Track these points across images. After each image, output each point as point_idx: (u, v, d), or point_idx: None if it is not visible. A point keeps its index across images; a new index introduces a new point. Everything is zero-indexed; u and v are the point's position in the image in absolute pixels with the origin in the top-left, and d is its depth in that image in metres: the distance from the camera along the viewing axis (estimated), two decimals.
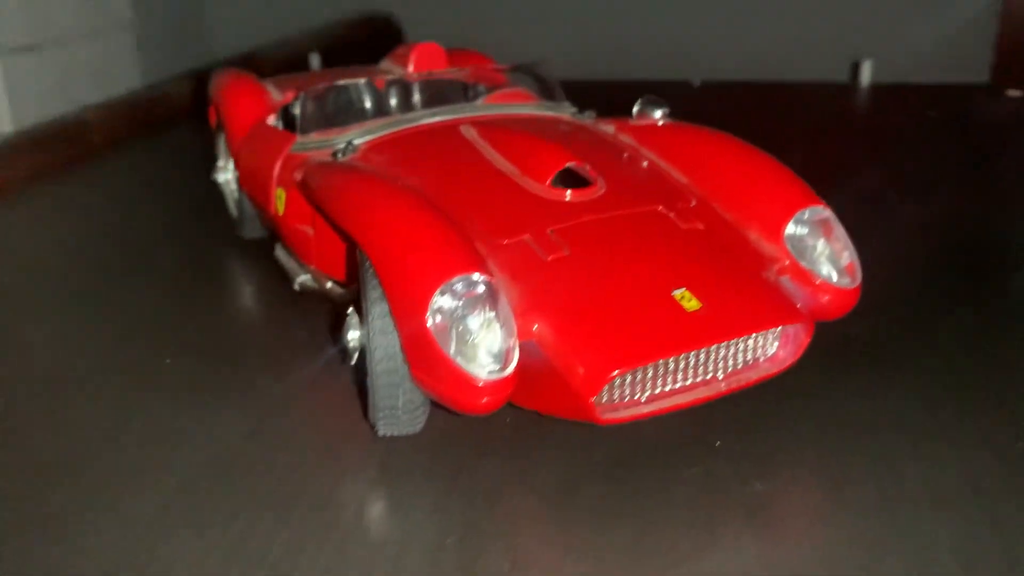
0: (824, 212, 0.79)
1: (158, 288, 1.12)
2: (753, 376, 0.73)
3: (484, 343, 0.65)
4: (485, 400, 0.64)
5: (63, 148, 1.67)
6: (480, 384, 0.64)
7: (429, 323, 0.64)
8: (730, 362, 0.72)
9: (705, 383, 0.72)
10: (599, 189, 0.80)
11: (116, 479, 0.73)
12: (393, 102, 1.09)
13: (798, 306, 0.74)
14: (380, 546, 0.64)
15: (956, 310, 1.00)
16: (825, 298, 0.77)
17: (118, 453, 0.76)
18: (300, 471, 0.73)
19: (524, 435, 0.77)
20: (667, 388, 0.70)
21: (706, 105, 2.03)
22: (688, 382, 0.71)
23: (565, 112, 1.01)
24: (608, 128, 0.96)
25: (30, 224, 1.44)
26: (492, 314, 0.65)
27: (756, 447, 0.75)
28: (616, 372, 0.65)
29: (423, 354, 0.65)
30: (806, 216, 0.79)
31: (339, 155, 0.88)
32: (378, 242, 0.70)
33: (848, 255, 0.79)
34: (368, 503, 0.70)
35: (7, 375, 0.93)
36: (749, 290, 0.73)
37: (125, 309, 1.06)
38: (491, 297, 0.65)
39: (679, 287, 0.70)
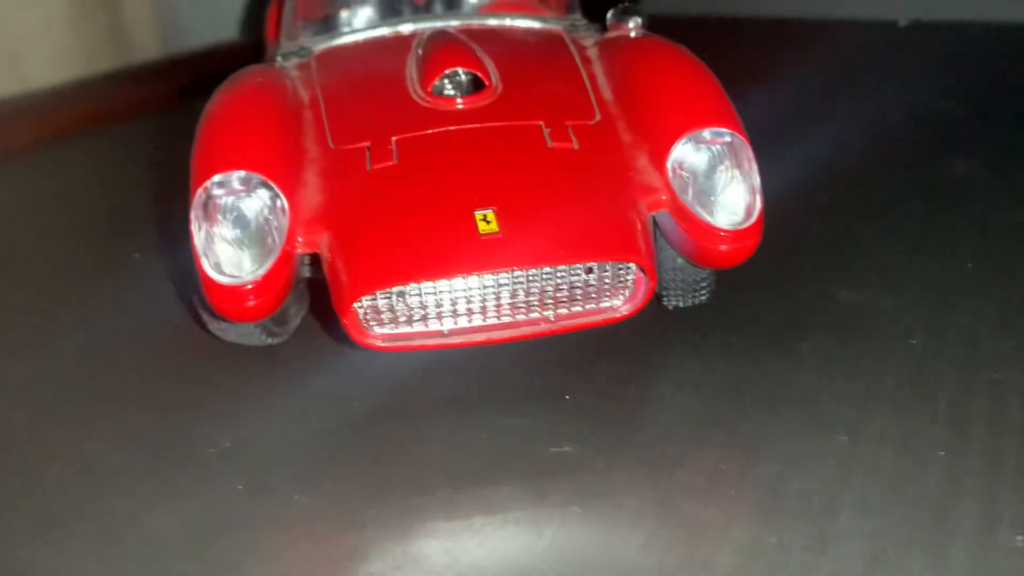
0: (727, 135, 0.65)
1: None
2: (582, 320, 0.63)
3: (230, 248, 0.61)
4: (223, 306, 0.61)
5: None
6: (220, 286, 0.60)
7: (192, 220, 0.61)
8: (561, 302, 0.62)
9: (531, 322, 0.63)
10: (488, 98, 0.71)
11: None
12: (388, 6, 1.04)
13: (639, 245, 0.61)
14: None
15: None
16: (706, 241, 0.63)
17: None
18: None
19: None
20: (475, 320, 0.62)
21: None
22: (500, 318, 0.62)
23: (562, 25, 0.91)
24: (588, 42, 0.86)
25: None
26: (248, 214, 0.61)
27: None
28: (369, 291, 0.59)
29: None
30: (705, 136, 0.65)
31: (281, 59, 0.87)
32: (197, 131, 0.68)
33: (748, 191, 0.64)
34: None
35: None
36: (581, 220, 0.62)
37: None
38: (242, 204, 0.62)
39: (488, 207, 0.61)
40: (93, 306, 0.88)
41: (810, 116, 1.32)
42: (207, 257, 0.61)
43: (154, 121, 1.66)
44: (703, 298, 0.76)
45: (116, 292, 0.92)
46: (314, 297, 0.77)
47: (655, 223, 0.67)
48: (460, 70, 0.74)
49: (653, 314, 0.77)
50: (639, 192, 0.65)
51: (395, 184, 0.64)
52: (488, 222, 0.60)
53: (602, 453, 0.61)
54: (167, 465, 0.63)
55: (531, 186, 0.63)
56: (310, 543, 0.55)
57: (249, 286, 0.61)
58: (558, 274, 0.61)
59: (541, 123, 0.69)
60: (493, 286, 0.61)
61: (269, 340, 0.74)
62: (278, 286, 0.62)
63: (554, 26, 0.91)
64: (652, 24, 0.84)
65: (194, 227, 0.61)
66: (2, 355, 0.81)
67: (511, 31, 0.89)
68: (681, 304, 0.76)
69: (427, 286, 0.60)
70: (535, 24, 0.91)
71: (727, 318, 0.77)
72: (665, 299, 0.76)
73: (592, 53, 0.83)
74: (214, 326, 0.72)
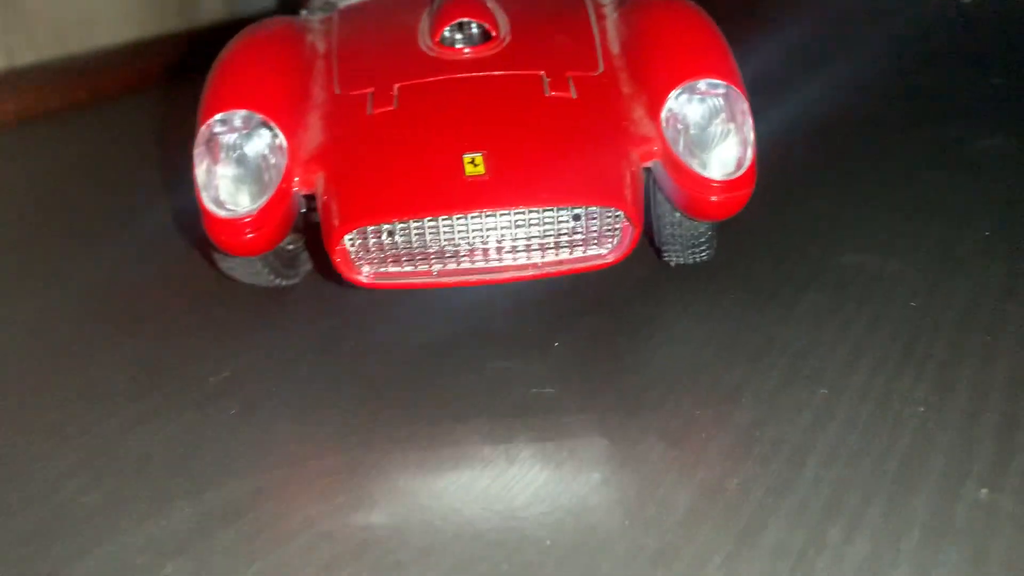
0: (723, 87, 0.65)
1: None
2: (568, 266, 0.63)
3: (230, 184, 0.64)
4: (221, 238, 0.63)
5: None
6: (219, 219, 0.63)
7: (195, 156, 0.64)
8: (548, 248, 0.63)
9: (519, 267, 0.64)
10: (494, 49, 0.72)
11: None
12: None
13: (625, 192, 0.61)
14: None
15: None
16: (697, 191, 0.64)
17: None
18: None
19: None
20: (464, 264, 0.63)
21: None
22: (487, 260, 0.63)
23: None
24: (609, 6, 0.86)
25: None
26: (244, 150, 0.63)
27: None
28: (353, 227, 0.60)
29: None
30: (700, 87, 0.65)
31: (306, 12, 0.89)
32: (209, 72, 0.70)
33: (740, 143, 0.64)
34: None
35: None
36: (568, 166, 0.62)
37: None
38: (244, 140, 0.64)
39: (478, 151, 0.62)
40: (124, 248, 0.93)
41: (852, 83, 1.31)
42: (207, 191, 0.63)
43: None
44: (704, 256, 0.76)
45: (140, 234, 0.96)
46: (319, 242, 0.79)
47: (651, 175, 0.68)
48: (471, 22, 0.75)
49: (650, 271, 0.78)
50: (632, 142, 0.65)
51: (391, 127, 0.66)
52: (476, 165, 0.61)
53: (580, 395, 0.62)
54: (166, 390, 0.66)
55: (522, 132, 0.64)
56: (289, 466, 0.57)
57: (247, 219, 0.63)
58: (545, 218, 0.62)
59: (542, 73, 0.70)
60: (480, 229, 0.62)
61: (278, 281, 0.77)
62: (274, 221, 0.64)
63: None
64: None
65: (197, 163, 0.64)
66: (26, 293, 0.85)
67: None
68: (681, 261, 0.76)
69: (415, 225, 0.61)
70: None
71: (724, 276, 0.77)
72: (665, 255, 0.76)
73: (609, 10, 0.83)
74: (223, 264, 0.75)
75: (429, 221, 0.61)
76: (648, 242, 0.78)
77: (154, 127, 1.43)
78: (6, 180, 1.22)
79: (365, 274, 0.63)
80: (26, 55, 1.66)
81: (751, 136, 0.64)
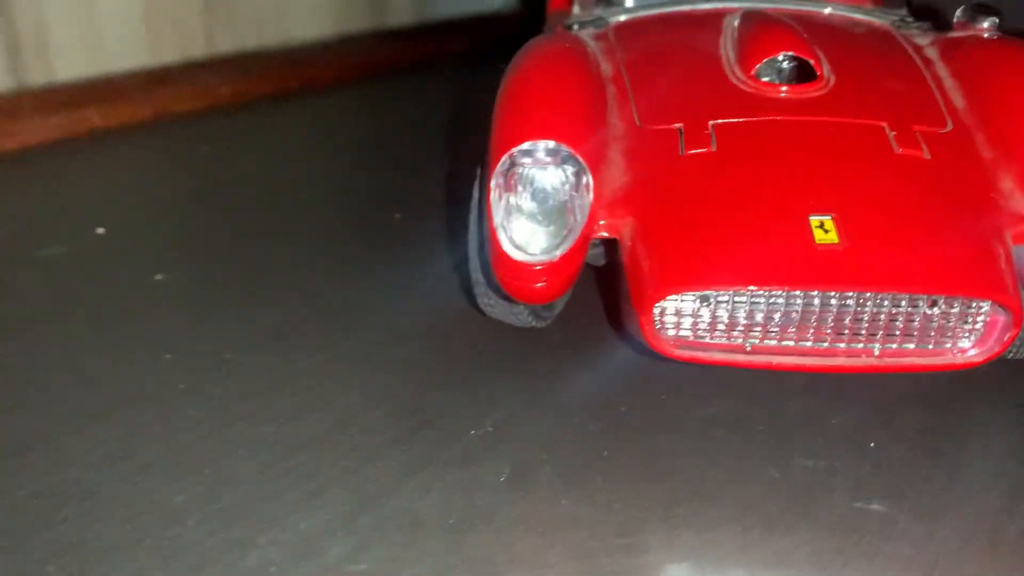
0: None
1: None
2: (914, 361, 0.53)
3: (528, 222, 0.56)
4: (513, 283, 0.56)
5: None
6: (515, 262, 0.55)
7: (492, 189, 0.57)
8: (890, 335, 0.53)
9: (850, 352, 0.54)
10: (820, 89, 0.63)
11: None
12: None
13: (1005, 281, 0.51)
14: None
15: None
16: None
17: None
18: None
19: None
20: (785, 341, 0.54)
21: None
22: (822, 343, 0.54)
23: (890, 19, 0.81)
24: (923, 40, 0.75)
25: None
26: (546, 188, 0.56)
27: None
28: (677, 290, 0.52)
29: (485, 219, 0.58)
30: None
31: (576, 27, 0.81)
32: (500, 95, 0.63)
33: None
34: None
35: None
36: (936, 242, 0.52)
37: None
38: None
39: (826, 214, 0.53)
40: (356, 264, 0.87)
41: None
42: (504, 230, 0.56)
43: (407, 81, 1.67)
44: None
45: (376, 249, 0.90)
46: (588, 284, 0.71)
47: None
48: (784, 56, 0.66)
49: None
50: (1004, 219, 0.54)
51: (713, 173, 0.57)
52: (826, 231, 0.52)
53: (921, 519, 0.52)
54: (428, 439, 0.59)
55: (875, 194, 0.54)
56: (575, 559, 0.49)
57: (539, 266, 0.56)
58: (898, 302, 0.52)
59: (884, 124, 0.60)
60: (815, 304, 0.53)
61: (533, 322, 0.70)
62: (571, 268, 0.57)
63: (881, 20, 0.81)
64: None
65: (493, 196, 0.57)
66: (260, 302, 0.81)
67: (832, 19, 0.80)
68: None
69: (740, 294, 0.53)
70: (859, 15, 0.81)
71: None
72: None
73: (931, 53, 0.72)
74: (483, 300, 0.68)
75: (770, 295, 0.52)
76: None
77: (359, 121, 1.40)
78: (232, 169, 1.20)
79: (674, 343, 0.54)
80: (225, 42, 1.66)
81: None
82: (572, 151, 0.57)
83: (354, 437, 0.60)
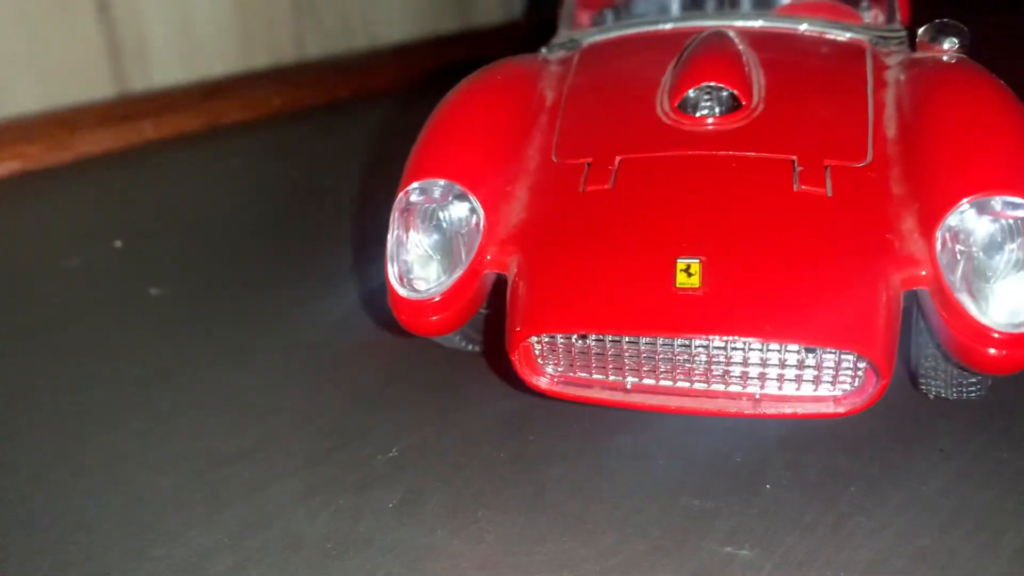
0: (1020, 205, 0.50)
1: None
2: (790, 408, 0.52)
3: (421, 257, 0.58)
4: (403, 318, 0.58)
5: None
6: (402, 298, 0.57)
7: (390, 224, 0.59)
8: (769, 379, 0.52)
9: (730, 396, 0.54)
10: (743, 120, 0.62)
11: None
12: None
13: (875, 333, 0.49)
14: None
15: None
16: (969, 338, 0.50)
17: None
18: None
19: None
20: (664, 381, 0.54)
21: None
22: (693, 384, 0.54)
23: (869, 36, 0.78)
24: (892, 60, 0.72)
25: None
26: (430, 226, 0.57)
27: None
28: (538, 332, 0.53)
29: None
30: (994, 206, 0.51)
31: (546, 51, 0.82)
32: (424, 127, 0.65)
33: None
34: None
35: None
36: (806, 289, 0.51)
37: None
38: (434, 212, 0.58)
39: (694, 256, 0.52)
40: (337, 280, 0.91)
41: None
42: (394, 264, 0.58)
43: None
44: (974, 394, 0.61)
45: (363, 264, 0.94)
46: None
47: (917, 301, 0.55)
48: (714, 86, 0.65)
49: (902, 400, 0.64)
50: (894, 262, 0.53)
51: (603, 212, 0.57)
52: (690, 274, 0.52)
53: (786, 568, 0.51)
54: (338, 461, 0.62)
55: (756, 236, 0.54)
56: None
57: (434, 300, 0.58)
58: (768, 346, 0.51)
59: (794, 158, 0.58)
60: (687, 346, 0.52)
61: (468, 347, 0.71)
62: (462, 302, 0.58)
63: (859, 36, 0.78)
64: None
65: (389, 231, 0.59)
66: (233, 320, 0.85)
67: (803, 39, 0.78)
68: (943, 395, 0.62)
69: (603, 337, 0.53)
70: (836, 32, 0.78)
71: (1002, 422, 0.62)
72: (923, 385, 0.62)
73: (891, 75, 0.69)
74: None
75: (629, 338, 0.52)
76: (904, 366, 0.65)
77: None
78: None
79: (546, 379, 0.55)
80: (315, 47, 1.74)
81: None
82: (464, 189, 0.58)
83: (271, 456, 0.63)
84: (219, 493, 0.60)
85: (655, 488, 0.58)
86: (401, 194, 0.59)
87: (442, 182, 0.58)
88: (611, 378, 0.55)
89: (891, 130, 0.61)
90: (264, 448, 0.64)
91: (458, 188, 0.58)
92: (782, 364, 0.52)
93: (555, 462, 0.61)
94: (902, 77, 0.67)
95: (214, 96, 1.47)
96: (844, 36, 0.77)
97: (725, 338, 0.50)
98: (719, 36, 0.73)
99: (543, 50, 0.82)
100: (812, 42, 0.76)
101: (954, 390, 0.61)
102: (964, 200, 0.51)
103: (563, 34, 0.86)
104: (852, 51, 0.75)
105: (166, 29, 1.48)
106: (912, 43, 0.74)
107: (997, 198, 0.51)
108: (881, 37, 0.77)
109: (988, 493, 0.56)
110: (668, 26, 0.80)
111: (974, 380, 0.59)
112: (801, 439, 0.61)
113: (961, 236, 0.51)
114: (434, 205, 0.58)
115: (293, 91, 1.55)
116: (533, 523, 0.55)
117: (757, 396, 0.53)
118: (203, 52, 1.54)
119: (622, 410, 0.65)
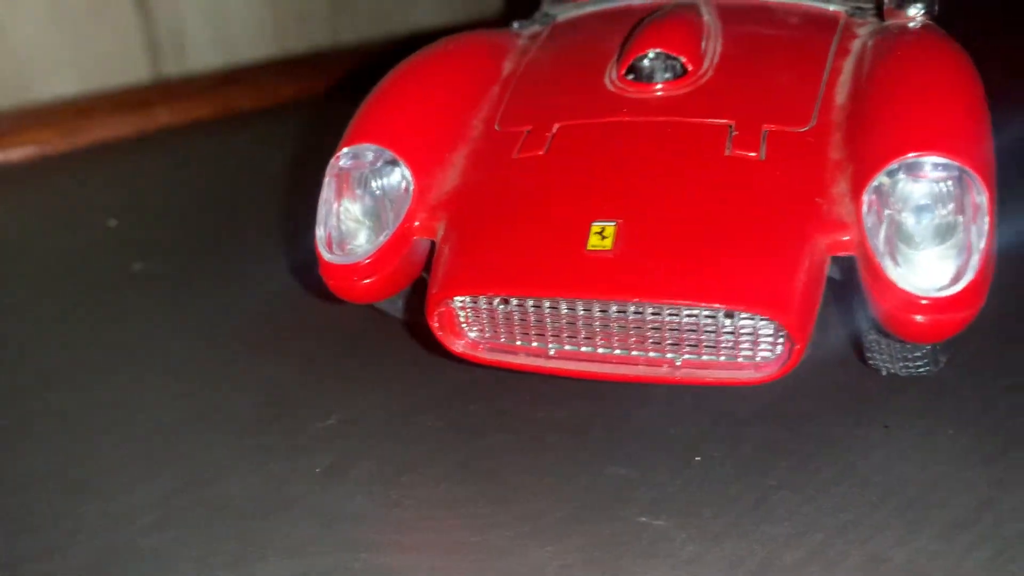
0: (955, 170, 0.48)
1: None
2: (709, 375, 0.51)
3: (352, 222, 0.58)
4: (332, 283, 0.58)
5: None
6: (329, 263, 0.57)
7: (323, 188, 0.59)
8: (689, 345, 0.51)
9: (651, 362, 0.53)
10: (687, 87, 0.61)
11: None
12: None
13: (790, 296, 0.47)
14: None
15: None
16: (893, 304, 0.48)
17: None
18: None
19: None
20: (586, 348, 0.53)
21: None
22: (615, 350, 0.53)
23: (846, 7, 0.75)
24: (863, 30, 0.70)
25: None
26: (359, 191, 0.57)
27: None
28: (451, 295, 0.52)
29: None
30: (924, 167, 0.49)
31: (517, 25, 0.81)
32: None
33: (964, 247, 0.47)
34: None
35: None
36: (722, 252, 0.49)
37: None
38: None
39: (610, 219, 0.51)
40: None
41: None
42: (323, 229, 0.58)
43: None
44: (923, 370, 0.59)
45: None
46: None
47: (848, 269, 0.53)
48: (659, 53, 0.63)
49: (857, 376, 0.62)
50: (820, 226, 0.51)
51: (532, 177, 0.57)
52: (604, 237, 0.51)
53: (701, 539, 0.49)
54: (280, 429, 0.63)
55: (676, 199, 0.52)
56: (342, 550, 0.51)
57: (363, 263, 0.57)
58: (684, 312, 0.50)
59: (731, 123, 0.57)
60: (605, 311, 0.51)
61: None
62: (390, 267, 0.58)
63: (836, 8, 0.76)
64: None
65: (321, 196, 0.59)
66: (205, 294, 0.87)
67: (777, 11, 0.75)
68: (892, 371, 0.60)
69: (522, 299, 0.52)
70: (813, 2, 0.76)
71: (949, 399, 0.59)
72: (871, 360, 0.60)
73: (856, 44, 0.67)
74: None
75: (543, 301, 0.52)
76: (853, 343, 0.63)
77: None
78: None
79: (464, 343, 0.55)
80: (349, 34, 1.75)
81: (982, 241, 0.47)
82: (394, 154, 0.58)
83: (217, 423, 0.64)
84: (156, 457, 0.61)
85: (588, 459, 0.57)
86: (333, 160, 0.59)
87: (373, 147, 0.58)
88: (535, 344, 0.54)
89: (841, 97, 0.59)
90: (209, 415, 0.65)
91: (389, 153, 0.58)
92: (699, 329, 0.50)
93: (490, 433, 0.60)
94: (868, 44, 0.65)
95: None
96: (821, 7, 0.75)
97: (636, 300, 0.49)
98: (685, 7, 0.71)
99: (515, 24, 0.82)
100: (786, 12, 0.74)
101: (900, 365, 0.58)
102: (893, 161, 0.49)
103: (545, 7, 0.85)
104: (824, 21, 0.72)
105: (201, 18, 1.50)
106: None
107: (927, 159, 0.49)
108: (858, 8, 0.75)
109: (927, 471, 0.53)
110: (639, 2, 0.79)
111: (919, 355, 0.57)
112: (743, 413, 0.60)
113: (891, 200, 0.49)
114: (365, 170, 0.58)
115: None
116: (453, 491, 0.55)
117: (677, 363, 0.52)
118: (237, 39, 1.57)
119: (567, 383, 0.64)
